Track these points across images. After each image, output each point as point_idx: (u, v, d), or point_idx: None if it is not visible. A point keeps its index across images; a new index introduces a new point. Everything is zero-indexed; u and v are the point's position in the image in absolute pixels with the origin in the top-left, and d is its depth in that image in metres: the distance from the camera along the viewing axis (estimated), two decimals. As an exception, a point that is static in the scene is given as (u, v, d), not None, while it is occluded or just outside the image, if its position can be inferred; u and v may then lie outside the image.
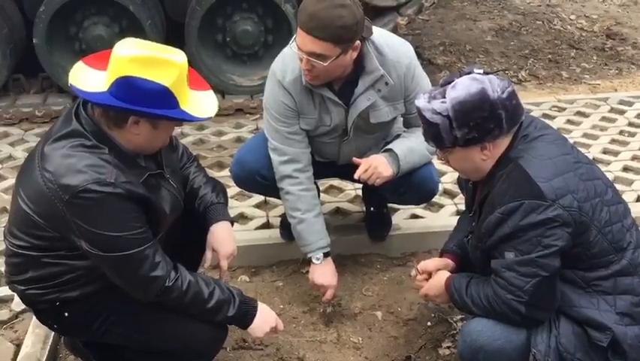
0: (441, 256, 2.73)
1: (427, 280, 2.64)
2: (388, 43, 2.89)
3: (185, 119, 2.23)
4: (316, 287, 3.07)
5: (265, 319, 2.52)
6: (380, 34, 2.90)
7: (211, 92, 2.35)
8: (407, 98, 2.96)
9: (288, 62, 2.89)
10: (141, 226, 2.24)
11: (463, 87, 2.23)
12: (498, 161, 2.32)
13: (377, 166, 2.90)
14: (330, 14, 2.61)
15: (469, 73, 2.29)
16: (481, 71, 2.29)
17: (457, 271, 2.62)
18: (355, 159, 2.96)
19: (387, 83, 2.87)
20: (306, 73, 2.78)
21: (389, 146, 2.99)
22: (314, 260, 3.03)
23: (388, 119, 3.01)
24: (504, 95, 2.23)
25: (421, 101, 2.30)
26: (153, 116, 2.17)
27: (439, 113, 2.24)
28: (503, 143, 2.31)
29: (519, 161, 2.27)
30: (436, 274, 2.60)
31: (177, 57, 2.17)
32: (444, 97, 2.25)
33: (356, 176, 2.92)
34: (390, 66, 2.87)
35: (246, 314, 2.47)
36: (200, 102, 2.26)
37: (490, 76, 2.28)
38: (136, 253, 2.22)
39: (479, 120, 2.23)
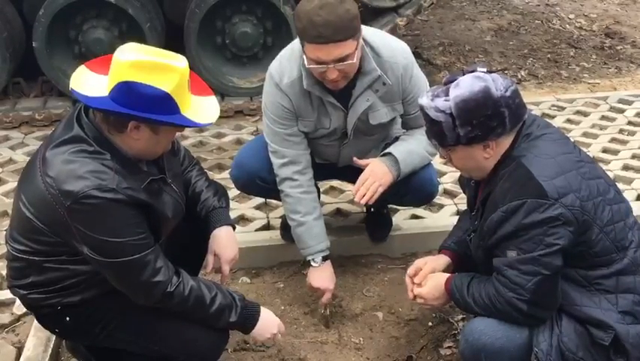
0: (439, 252, 2.72)
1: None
2: (385, 44, 2.87)
3: (185, 124, 2.23)
4: (313, 290, 3.07)
5: (267, 324, 2.52)
6: (376, 35, 2.89)
7: (213, 97, 2.33)
8: (405, 100, 2.95)
9: (286, 64, 2.88)
10: (143, 231, 2.23)
11: (466, 85, 2.23)
12: (501, 159, 2.32)
13: (374, 180, 2.86)
14: (339, 13, 2.57)
15: (472, 71, 2.29)
16: (485, 69, 2.29)
17: (454, 267, 2.62)
18: (356, 160, 2.94)
19: (384, 84, 2.85)
20: (335, 83, 2.72)
21: (388, 150, 2.96)
22: (312, 263, 3.03)
23: (387, 119, 3.00)
24: (507, 94, 2.24)
25: (424, 99, 2.30)
26: (153, 122, 2.16)
27: (442, 111, 2.24)
28: (506, 141, 2.31)
29: (522, 159, 2.26)
30: (430, 277, 2.56)
31: (178, 62, 2.16)
32: (447, 95, 2.24)
33: (356, 199, 2.88)
34: (387, 67, 2.85)
35: (247, 319, 2.47)
36: (202, 108, 2.25)
37: (494, 74, 2.28)
38: (138, 259, 2.21)
39: (482, 118, 2.23)
